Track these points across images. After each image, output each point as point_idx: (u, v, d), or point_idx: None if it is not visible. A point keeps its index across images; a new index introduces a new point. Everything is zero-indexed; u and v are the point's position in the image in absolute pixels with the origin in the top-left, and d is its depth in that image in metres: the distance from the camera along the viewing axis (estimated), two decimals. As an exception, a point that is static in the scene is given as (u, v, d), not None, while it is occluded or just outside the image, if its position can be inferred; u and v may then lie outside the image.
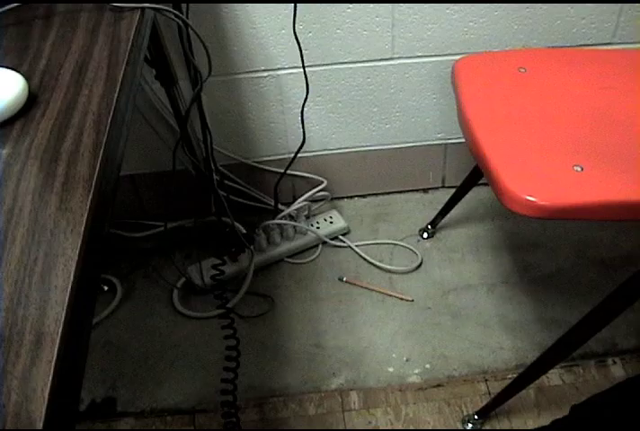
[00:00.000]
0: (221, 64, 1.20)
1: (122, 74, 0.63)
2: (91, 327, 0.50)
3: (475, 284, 1.33)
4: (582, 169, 0.83)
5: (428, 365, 1.20)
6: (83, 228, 0.48)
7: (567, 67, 1.03)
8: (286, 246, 1.39)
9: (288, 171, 1.35)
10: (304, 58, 1.15)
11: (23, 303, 0.43)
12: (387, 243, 1.42)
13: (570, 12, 1.19)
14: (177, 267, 1.35)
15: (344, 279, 1.33)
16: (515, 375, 1.07)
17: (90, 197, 0.50)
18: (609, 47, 1.25)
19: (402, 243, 1.42)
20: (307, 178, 1.45)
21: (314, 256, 1.41)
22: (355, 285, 1.21)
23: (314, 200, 1.45)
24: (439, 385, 1.17)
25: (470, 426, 1.11)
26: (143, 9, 0.72)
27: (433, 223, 1.43)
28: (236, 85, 1.26)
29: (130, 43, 0.67)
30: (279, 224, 1.37)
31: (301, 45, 1.12)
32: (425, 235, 1.43)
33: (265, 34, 1.17)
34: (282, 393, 1.17)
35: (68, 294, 0.44)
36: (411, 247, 1.40)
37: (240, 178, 1.43)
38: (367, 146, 1.42)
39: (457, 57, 1.06)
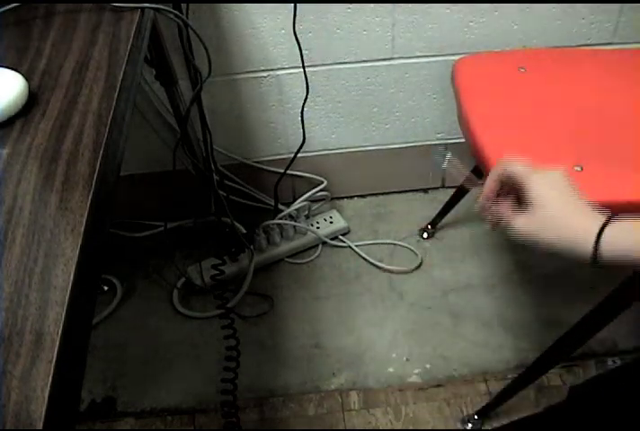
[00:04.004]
0: (221, 64, 1.20)
1: (122, 74, 0.63)
2: (91, 327, 0.50)
3: (475, 284, 1.33)
4: (582, 169, 0.83)
5: (428, 365, 1.20)
6: (83, 228, 0.48)
7: (567, 67, 1.03)
8: (286, 246, 1.39)
9: (288, 171, 1.35)
10: (304, 58, 1.15)
11: (23, 303, 0.43)
12: (387, 243, 1.42)
13: (569, 12, 1.19)
14: (177, 267, 1.35)
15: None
16: (515, 375, 1.08)
17: (90, 196, 0.50)
18: (609, 47, 1.25)
19: (402, 243, 1.42)
20: (307, 178, 1.45)
21: (314, 256, 1.41)
22: None
23: (314, 200, 1.45)
24: (439, 385, 1.17)
25: (470, 426, 1.11)
26: (143, 9, 0.72)
27: (433, 223, 1.43)
28: (236, 85, 1.26)
29: (130, 43, 0.67)
30: (279, 224, 1.37)
31: (301, 45, 1.12)
32: (425, 235, 1.43)
33: (265, 34, 1.17)
34: (282, 393, 1.17)
35: (68, 294, 0.44)
36: (411, 247, 1.40)
37: (240, 178, 1.43)
38: (367, 146, 1.42)
39: (457, 57, 1.07)
